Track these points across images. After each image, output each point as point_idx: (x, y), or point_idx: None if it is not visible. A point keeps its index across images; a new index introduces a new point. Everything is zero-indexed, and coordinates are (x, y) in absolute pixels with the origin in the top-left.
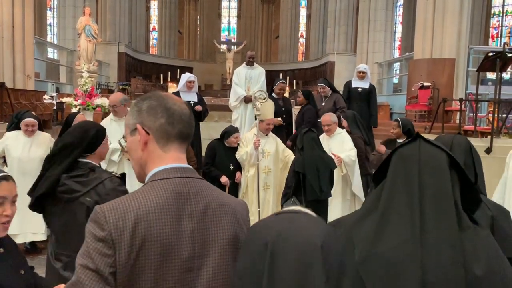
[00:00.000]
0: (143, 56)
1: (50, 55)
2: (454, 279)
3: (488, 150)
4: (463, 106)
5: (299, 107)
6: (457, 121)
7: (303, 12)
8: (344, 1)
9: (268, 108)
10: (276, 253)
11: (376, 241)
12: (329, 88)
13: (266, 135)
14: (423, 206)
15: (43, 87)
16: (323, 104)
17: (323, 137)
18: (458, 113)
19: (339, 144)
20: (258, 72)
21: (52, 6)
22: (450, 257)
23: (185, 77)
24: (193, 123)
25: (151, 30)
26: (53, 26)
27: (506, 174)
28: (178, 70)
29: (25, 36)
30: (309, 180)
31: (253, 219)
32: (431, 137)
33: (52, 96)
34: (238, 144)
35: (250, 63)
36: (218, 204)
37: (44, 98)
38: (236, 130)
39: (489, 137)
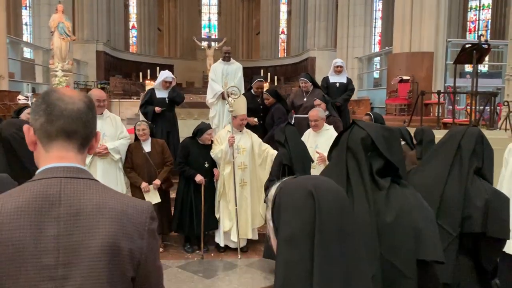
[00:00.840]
0: (123, 54)
1: (26, 54)
2: (369, 224)
3: None
4: (441, 98)
5: None
6: (436, 114)
7: (283, 8)
8: None
9: (240, 104)
10: (320, 196)
11: None
12: (311, 83)
13: (240, 131)
14: (349, 176)
15: (18, 87)
16: (305, 99)
17: (309, 133)
18: (437, 106)
19: (325, 141)
20: (235, 68)
21: (27, 5)
22: (365, 209)
23: (163, 75)
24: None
25: (130, 28)
26: (29, 25)
27: (505, 171)
28: (158, 68)
29: None
30: (297, 172)
31: (232, 217)
32: (410, 130)
33: (27, 97)
34: (212, 141)
35: (226, 59)
36: (96, 207)
37: (19, 99)
38: (208, 126)
39: None
